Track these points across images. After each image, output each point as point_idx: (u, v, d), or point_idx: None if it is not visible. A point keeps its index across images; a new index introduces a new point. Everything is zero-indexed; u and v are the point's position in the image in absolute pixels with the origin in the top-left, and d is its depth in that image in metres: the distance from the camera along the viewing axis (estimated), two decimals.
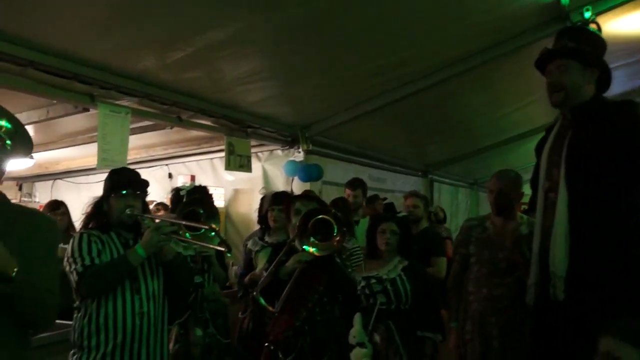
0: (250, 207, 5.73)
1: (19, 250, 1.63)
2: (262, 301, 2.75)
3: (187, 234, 2.96)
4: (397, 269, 3.26)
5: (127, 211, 2.53)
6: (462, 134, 6.97)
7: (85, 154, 5.53)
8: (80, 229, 2.69)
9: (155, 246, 2.49)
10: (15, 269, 1.63)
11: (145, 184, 2.70)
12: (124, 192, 2.56)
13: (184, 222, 2.94)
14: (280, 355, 2.83)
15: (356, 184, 4.86)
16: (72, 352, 2.50)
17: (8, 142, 1.57)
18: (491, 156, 8.06)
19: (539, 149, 2.57)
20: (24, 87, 3.23)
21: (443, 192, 9.04)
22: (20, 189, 7.48)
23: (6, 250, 1.60)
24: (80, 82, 3.34)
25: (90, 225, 2.64)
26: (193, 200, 3.24)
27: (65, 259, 2.52)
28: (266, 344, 2.90)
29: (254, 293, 2.79)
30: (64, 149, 5.29)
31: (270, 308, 2.75)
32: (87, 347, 2.44)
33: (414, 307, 3.18)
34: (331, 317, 2.92)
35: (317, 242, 2.75)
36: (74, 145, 5.09)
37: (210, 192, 5.07)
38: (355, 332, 3.16)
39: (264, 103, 4.57)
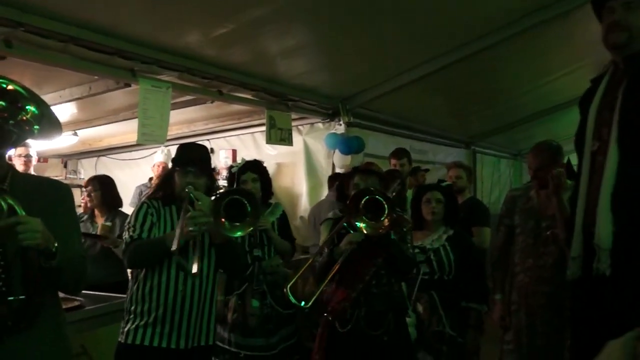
0: (292, 180, 5.75)
1: (46, 220, 1.68)
2: (291, 297, 2.78)
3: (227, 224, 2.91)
4: (442, 238, 3.23)
5: (187, 189, 2.55)
6: (506, 103, 6.78)
7: (127, 130, 5.61)
8: (149, 196, 2.78)
9: (185, 235, 2.43)
10: (55, 244, 1.71)
11: (206, 161, 2.72)
12: (186, 169, 2.61)
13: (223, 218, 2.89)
14: (337, 326, 2.85)
15: (401, 153, 4.81)
16: (124, 315, 2.63)
17: (36, 127, 1.59)
18: (535, 126, 7.84)
19: (583, 104, 2.26)
20: (66, 64, 3.27)
21: (485, 164, 8.86)
22: (65, 166, 7.68)
23: (44, 226, 1.66)
24: (122, 57, 3.37)
25: (157, 194, 2.72)
26: (236, 190, 3.16)
27: (126, 223, 2.66)
28: (324, 314, 2.93)
29: (284, 289, 2.82)
30: (107, 126, 5.39)
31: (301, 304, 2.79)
32: (134, 313, 2.55)
33: (458, 278, 3.15)
34: (388, 290, 2.90)
35: (367, 221, 2.72)
36: (116, 122, 5.16)
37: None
38: None
39: (305, 76, 4.54)
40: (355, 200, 2.74)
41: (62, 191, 1.99)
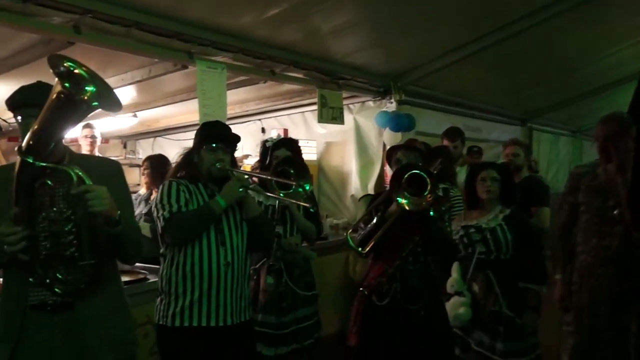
0: (342, 159, 5.77)
1: None
2: (351, 242, 2.88)
3: (282, 193, 3.00)
4: (498, 218, 3.19)
5: (218, 165, 2.54)
6: (565, 77, 6.55)
7: (183, 111, 5.75)
8: (169, 177, 2.71)
9: (234, 197, 2.50)
10: (119, 212, 1.86)
11: (236, 138, 2.68)
12: (215, 145, 2.57)
13: (273, 178, 2.99)
14: (374, 300, 2.90)
15: (454, 133, 4.74)
16: (159, 298, 2.59)
17: (95, 102, 1.68)
18: (596, 101, 7.53)
19: None
20: (128, 48, 3.37)
21: (542, 141, 8.60)
22: (124, 146, 7.96)
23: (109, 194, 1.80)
24: (180, 40, 3.45)
25: (179, 175, 2.67)
26: (285, 160, 3.25)
27: (153, 205, 2.59)
28: (360, 289, 2.99)
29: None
30: (164, 107, 5.53)
31: (359, 249, 2.85)
32: (175, 294, 2.50)
33: (515, 258, 3.11)
34: (424, 267, 2.92)
35: (409, 196, 2.71)
36: (173, 103, 5.29)
37: (300, 143, 5.16)
38: (454, 280, 3.18)
39: (356, 54, 4.52)
40: (397, 175, 2.74)
41: (113, 168, 2.14)
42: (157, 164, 4.34)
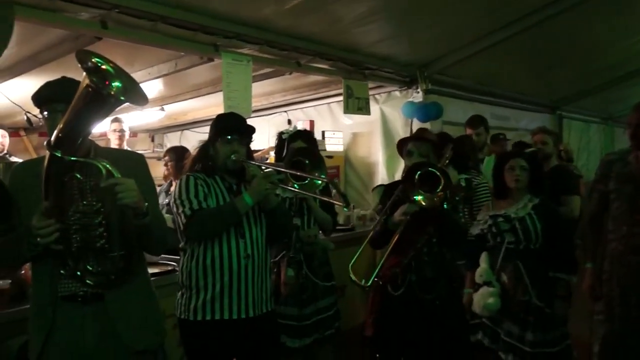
0: (369, 150, 5.76)
1: None
2: (353, 276, 2.86)
3: (296, 185, 2.96)
4: (527, 207, 3.14)
5: (233, 157, 2.53)
6: (595, 63, 6.37)
7: (210, 104, 5.80)
8: (186, 171, 2.69)
9: (262, 194, 2.48)
10: (146, 203, 1.89)
11: (251, 130, 2.67)
12: (230, 137, 2.56)
13: (287, 171, 2.93)
14: (390, 290, 2.93)
15: (477, 121, 4.68)
16: (180, 292, 2.60)
17: (122, 97, 1.71)
18: (629, 87, 7.32)
19: None
20: (154, 41, 3.42)
21: (573, 129, 8.43)
22: (152, 140, 8.07)
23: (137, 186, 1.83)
24: (205, 33, 3.48)
25: (196, 168, 2.66)
26: (299, 151, 3.23)
27: (172, 200, 2.59)
28: (375, 279, 2.97)
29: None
30: (191, 100, 5.59)
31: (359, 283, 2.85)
32: (196, 288, 2.51)
33: (545, 247, 3.06)
34: (439, 258, 2.92)
35: (424, 193, 2.76)
36: (200, 96, 5.34)
37: (326, 135, 5.15)
38: (482, 271, 3.14)
39: (382, 43, 4.49)
40: (409, 174, 2.77)
41: (137, 161, 2.18)
42: (180, 155, 4.34)
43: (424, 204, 2.73)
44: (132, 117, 5.73)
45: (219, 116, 2.76)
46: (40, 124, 5.44)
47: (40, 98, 2.00)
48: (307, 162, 3.02)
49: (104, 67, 1.73)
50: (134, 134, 6.51)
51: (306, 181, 2.97)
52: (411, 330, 2.86)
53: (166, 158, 4.52)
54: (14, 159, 5.14)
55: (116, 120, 5.24)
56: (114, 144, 5.16)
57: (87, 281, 1.90)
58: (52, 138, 1.80)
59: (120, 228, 1.91)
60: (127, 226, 1.91)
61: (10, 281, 2.72)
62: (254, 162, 2.66)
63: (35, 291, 2.02)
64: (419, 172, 2.77)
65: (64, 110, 1.84)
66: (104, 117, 1.87)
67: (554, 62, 5.98)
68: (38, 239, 1.79)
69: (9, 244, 1.91)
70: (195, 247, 2.54)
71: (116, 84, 1.71)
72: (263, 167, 2.69)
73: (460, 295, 3.14)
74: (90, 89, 1.66)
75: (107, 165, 1.81)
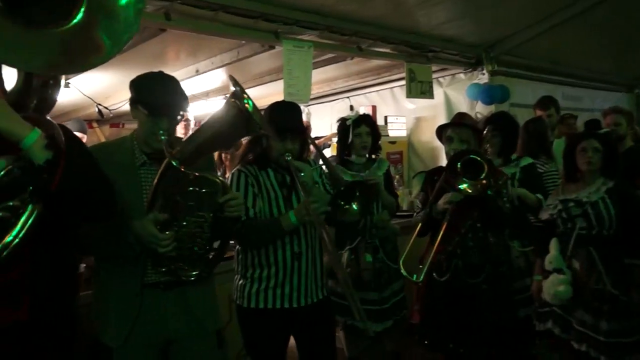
0: (432, 135, 5.61)
1: None
2: (404, 272, 2.92)
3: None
4: (600, 191, 2.98)
5: (287, 157, 2.44)
6: None
7: (272, 92, 5.82)
8: (239, 162, 2.64)
9: (304, 221, 2.44)
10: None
11: (303, 128, 2.68)
12: (283, 136, 2.49)
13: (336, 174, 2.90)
14: (435, 276, 2.93)
15: (547, 102, 4.50)
16: (237, 277, 2.63)
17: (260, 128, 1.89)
18: None
19: None
20: (216, 31, 3.48)
21: None
22: None
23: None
24: (266, 20, 3.51)
25: (248, 157, 2.60)
26: (353, 185, 3.13)
27: None
28: (420, 267, 2.98)
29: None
30: (254, 89, 5.63)
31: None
32: (251, 279, 2.54)
33: (620, 233, 2.91)
34: (484, 243, 2.89)
35: (468, 180, 2.74)
36: (262, 84, 5.39)
37: (389, 120, 5.09)
38: (552, 257, 3.03)
39: (446, 24, 4.37)
40: (452, 162, 2.76)
41: (211, 159, 2.32)
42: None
43: (469, 191, 2.73)
44: (197, 107, 5.86)
45: (273, 108, 2.64)
46: (111, 115, 5.71)
47: (142, 86, 2.05)
48: (357, 194, 2.86)
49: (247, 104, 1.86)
50: (198, 123, 6.67)
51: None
52: (458, 316, 2.86)
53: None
54: None
55: None
56: (179, 133, 5.27)
57: (182, 276, 2.03)
58: (177, 151, 1.89)
59: (219, 234, 2.06)
60: (225, 231, 2.08)
61: (84, 265, 2.85)
62: (301, 165, 2.53)
63: (118, 280, 2.05)
64: (462, 160, 2.76)
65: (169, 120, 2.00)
66: (232, 144, 2.00)
67: (630, 38, 5.62)
68: (157, 249, 1.90)
69: (107, 239, 1.97)
70: None
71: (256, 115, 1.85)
72: (316, 166, 2.71)
73: (506, 279, 3.05)
74: (239, 111, 1.77)
75: (222, 180, 1.98)
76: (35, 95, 2.01)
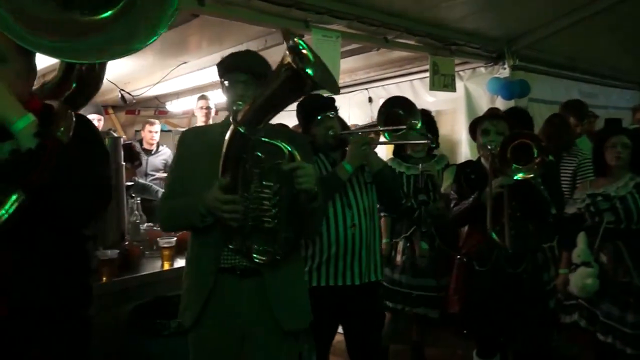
0: (451, 128, 5.64)
1: None
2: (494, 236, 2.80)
3: (387, 135, 2.98)
4: (629, 185, 3.03)
5: (330, 133, 2.60)
6: None
7: None
8: None
9: (359, 157, 2.54)
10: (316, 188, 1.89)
11: (333, 100, 2.71)
12: (320, 117, 2.63)
13: (383, 129, 2.99)
14: (476, 265, 2.94)
15: (582, 113, 4.50)
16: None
17: (318, 81, 1.71)
18: None
19: None
20: (248, 18, 3.47)
21: None
22: None
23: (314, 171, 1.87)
24: (298, 9, 3.51)
25: None
26: (390, 101, 3.22)
27: None
28: (458, 257, 3.05)
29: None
30: None
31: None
32: (305, 257, 2.61)
33: None
34: (524, 232, 2.88)
35: (519, 167, 2.73)
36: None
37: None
38: (580, 251, 3.07)
39: (470, 17, 4.37)
40: (502, 151, 2.75)
41: (303, 142, 2.19)
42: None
43: (528, 176, 2.72)
44: (218, 95, 5.85)
45: (302, 101, 2.75)
46: (134, 101, 5.70)
47: (224, 66, 2.04)
48: (400, 112, 3.03)
49: (304, 51, 1.74)
50: (216, 111, 6.67)
51: (401, 132, 2.99)
52: (499, 306, 2.86)
53: None
54: (116, 134, 5.37)
55: (203, 97, 5.36)
56: (200, 121, 5.27)
57: (255, 258, 1.92)
58: (240, 114, 1.82)
59: (291, 210, 1.93)
60: (297, 209, 1.92)
61: (118, 251, 2.88)
62: (349, 132, 2.72)
63: (195, 259, 2.05)
64: (510, 146, 2.75)
65: (246, 81, 1.94)
66: (295, 99, 1.94)
67: None
68: (224, 215, 1.83)
69: (183, 211, 1.98)
70: None
71: (313, 69, 1.69)
72: (360, 133, 2.74)
73: (542, 270, 3.06)
74: (290, 69, 1.64)
75: (289, 148, 1.83)
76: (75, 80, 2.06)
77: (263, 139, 1.83)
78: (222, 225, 1.90)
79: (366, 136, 2.64)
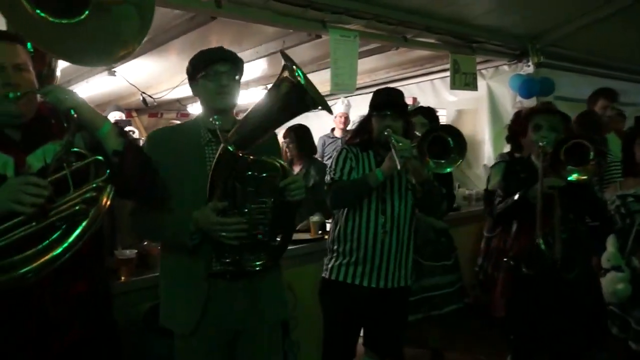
0: (474, 128, 5.54)
1: None
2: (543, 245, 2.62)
3: (432, 163, 2.66)
4: None
5: (385, 132, 2.53)
6: None
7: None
8: (347, 142, 2.90)
9: (392, 168, 2.46)
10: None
11: (405, 105, 2.74)
12: (384, 113, 2.60)
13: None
14: (524, 269, 2.76)
15: (612, 93, 4.35)
16: (327, 252, 2.80)
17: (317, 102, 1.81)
18: None
19: None
20: (266, 19, 3.44)
21: None
22: None
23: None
24: (314, 9, 3.47)
25: (354, 141, 2.80)
26: (444, 128, 2.97)
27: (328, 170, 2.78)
28: (505, 260, 2.91)
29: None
30: None
31: None
32: (337, 252, 2.71)
33: None
34: (576, 235, 2.73)
35: (574, 168, 2.60)
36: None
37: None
38: (610, 255, 2.94)
39: (491, 14, 4.27)
40: (555, 152, 2.61)
41: (273, 140, 2.22)
42: (302, 134, 4.25)
43: (583, 177, 2.59)
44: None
45: (376, 91, 2.80)
46: (155, 104, 5.72)
47: (205, 59, 2.00)
48: (449, 140, 2.64)
49: (299, 72, 1.79)
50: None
51: (443, 161, 2.66)
52: (549, 311, 2.70)
53: (287, 139, 4.22)
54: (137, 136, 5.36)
55: None
56: None
57: (247, 267, 1.97)
58: (230, 134, 1.85)
59: (279, 218, 1.97)
60: (287, 217, 2.02)
61: (136, 251, 2.88)
62: (401, 139, 2.49)
63: (183, 268, 2.04)
64: (563, 147, 2.60)
65: (229, 72, 1.95)
66: (291, 118, 1.96)
67: None
68: (228, 236, 1.86)
69: (167, 229, 1.97)
70: (339, 217, 2.71)
71: (309, 87, 1.79)
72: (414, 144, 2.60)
73: (596, 273, 2.92)
74: (292, 84, 1.70)
75: (282, 162, 1.91)
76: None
77: (254, 157, 1.86)
78: (213, 241, 1.91)
79: (408, 150, 2.43)
